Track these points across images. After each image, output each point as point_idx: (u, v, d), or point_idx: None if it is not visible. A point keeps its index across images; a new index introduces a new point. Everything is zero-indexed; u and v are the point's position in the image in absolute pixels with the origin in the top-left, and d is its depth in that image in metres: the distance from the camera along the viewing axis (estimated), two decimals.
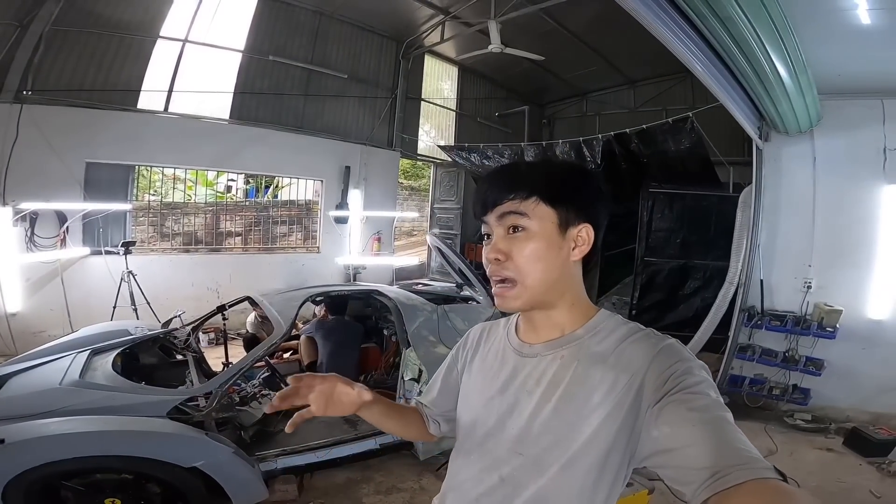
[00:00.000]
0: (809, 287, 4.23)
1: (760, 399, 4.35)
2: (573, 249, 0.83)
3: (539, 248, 0.80)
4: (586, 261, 0.86)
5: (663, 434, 0.66)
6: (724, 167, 5.67)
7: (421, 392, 1.25)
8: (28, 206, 4.68)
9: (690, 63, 2.72)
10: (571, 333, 0.84)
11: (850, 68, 3.67)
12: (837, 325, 4.01)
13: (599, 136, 5.75)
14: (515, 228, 0.81)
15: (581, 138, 5.95)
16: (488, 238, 0.86)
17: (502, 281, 0.83)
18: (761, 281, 4.41)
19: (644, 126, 5.35)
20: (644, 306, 6.16)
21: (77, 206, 5.06)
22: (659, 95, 8.83)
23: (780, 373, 4.30)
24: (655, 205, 6.03)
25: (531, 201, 0.80)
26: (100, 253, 5.34)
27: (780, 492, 0.53)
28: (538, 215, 0.81)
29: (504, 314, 0.98)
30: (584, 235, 0.83)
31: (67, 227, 5.04)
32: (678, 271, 6.01)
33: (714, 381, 0.73)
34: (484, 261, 0.86)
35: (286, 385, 0.88)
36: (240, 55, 6.49)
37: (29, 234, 4.80)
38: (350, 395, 0.90)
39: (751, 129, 4.11)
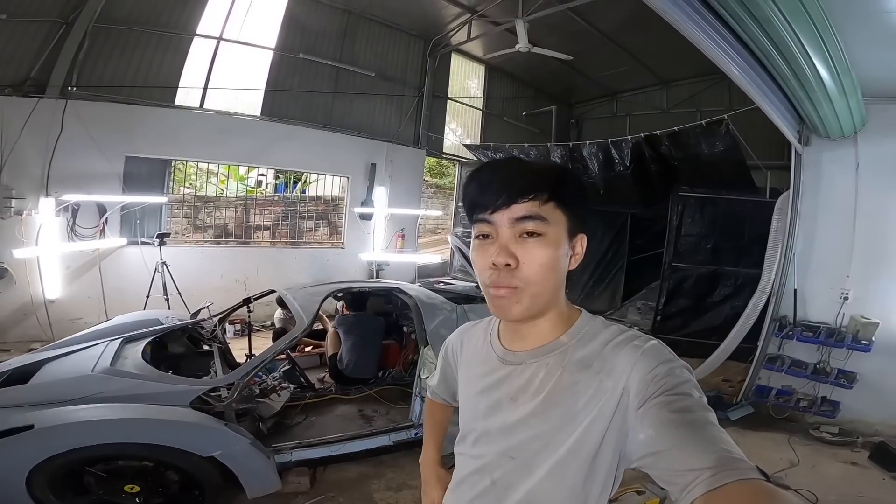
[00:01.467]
0: (846, 298, 4.05)
1: (787, 410, 4.20)
2: (570, 258, 0.81)
3: (553, 256, 0.76)
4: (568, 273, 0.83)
5: (649, 437, 0.65)
6: (760, 171, 5.46)
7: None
8: (70, 197, 4.92)
9: (726, 65, 2.64)
10: (556, 340, 0.82)
11: None
12: (873, 339, 3.84)
13: (629, 137, 5.62)
14: (532, 234, 0.75)
15: (610, 139, 5.82)
16: (485, 239, 0.78)
17: (505, 288, 0.76)
18: (795, 290, 4.25)
19: (676, 128, 5.20)
20: (670, 312, 6.01)
21: (116, 198, 5.30)
22: (693, 96, 8.56)
23: (808, 384, 4.14)
24: (686, 209, 5.87)
25: (550, 205, 0.75)
26: (136, 244, 5.56)
27: (764, 492, 0.53)
28: (554, 221, 0.76)
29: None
30: (580, 245, 0.81)
31: (107, 219, 5.28)
32: (707, 278, 5.83)
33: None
34: (483, 265, 0.78)
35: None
36: (271, 53, 6.64)
37: (71, 224, 5.05)
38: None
39: (789, 133, 3.96)
